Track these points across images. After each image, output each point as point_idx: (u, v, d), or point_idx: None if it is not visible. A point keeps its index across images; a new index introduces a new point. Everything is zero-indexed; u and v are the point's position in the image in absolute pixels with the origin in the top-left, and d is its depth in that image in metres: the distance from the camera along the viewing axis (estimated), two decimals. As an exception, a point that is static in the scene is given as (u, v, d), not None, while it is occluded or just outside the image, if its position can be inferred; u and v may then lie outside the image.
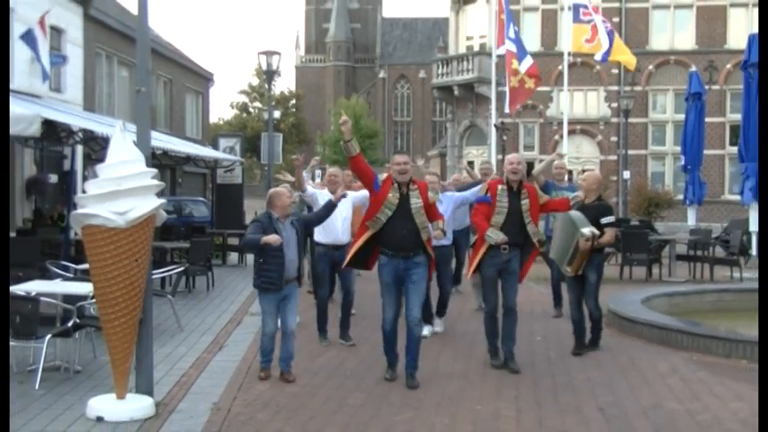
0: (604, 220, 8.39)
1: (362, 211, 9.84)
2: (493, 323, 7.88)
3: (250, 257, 14.21)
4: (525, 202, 7.69)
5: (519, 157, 8.18)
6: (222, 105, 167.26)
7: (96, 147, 15.05)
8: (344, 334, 8.91)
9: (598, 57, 20.43)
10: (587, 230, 8.01)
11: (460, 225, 10.74)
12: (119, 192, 6.14)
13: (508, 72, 20.37)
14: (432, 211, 7.22)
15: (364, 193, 8.59)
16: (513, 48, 19.99)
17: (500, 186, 7.75)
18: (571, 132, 27.45)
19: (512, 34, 19.94)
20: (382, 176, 7.20)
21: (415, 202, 7.04)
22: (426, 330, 8.90)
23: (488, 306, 7.90)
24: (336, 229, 8.80)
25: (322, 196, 8.72)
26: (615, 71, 32.15)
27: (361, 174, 7.20)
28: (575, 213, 8.25)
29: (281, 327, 7.28)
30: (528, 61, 20.02)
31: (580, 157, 31.95)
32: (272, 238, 6.93)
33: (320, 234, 8.89)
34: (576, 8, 19.92)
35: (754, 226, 16.17)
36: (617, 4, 32.18)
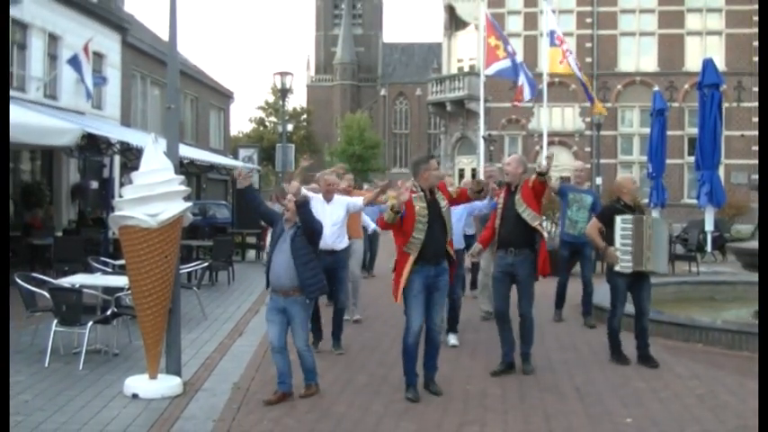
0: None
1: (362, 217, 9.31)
2: (503, 326, 6.94)
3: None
4: (518, 197, 6.78)
5: (511, 158, 7.12)
6: (242, 120, 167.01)
7: (131, 157, 15.06)
8: (336, 342, 7.78)
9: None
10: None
11: (474, 229, 9.68)
12: (151, 196, 6.15)
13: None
14: (462, 194, 6.31)
15: (358, 199, 8.12)
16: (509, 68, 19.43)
17: (503, 192, 7.03)
18: (550, 143, 27.37)
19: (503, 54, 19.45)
20: (402, 206, 6.04)
21: (443, 204, 6.11)
22: (454, 339, 8.05)
23: (495, 306, 7.11)
24: (324, 236, 7.19)
25: (315, 201, 7.63)
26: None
27: (391, 227, 6.11)
28: (655, 217, 7.55)
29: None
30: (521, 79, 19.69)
31: (557, 165, 31.89)
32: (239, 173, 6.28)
33: None
34: (551, 34, 19.86)
35: (709, 226, 16.14)
36: (589, 31, 32.25)
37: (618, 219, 7.08)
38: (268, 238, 8.25)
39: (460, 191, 6.34)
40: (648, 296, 7.24)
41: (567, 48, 20.11)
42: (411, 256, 5.97)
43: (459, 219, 8.10)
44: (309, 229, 5.95)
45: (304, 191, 7.66)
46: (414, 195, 6.05)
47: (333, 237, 7.78)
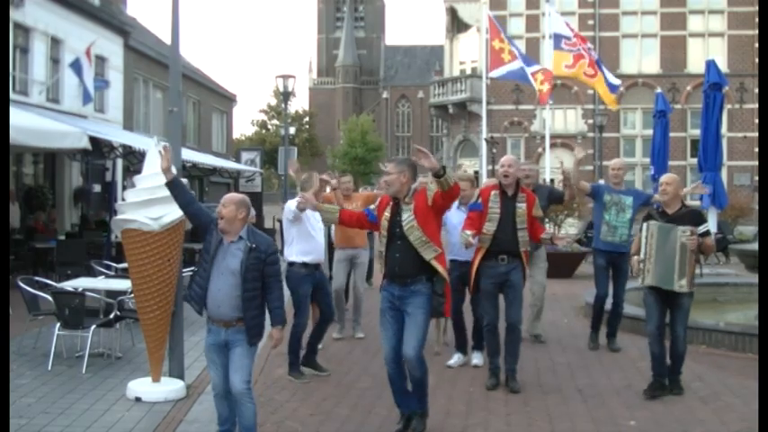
0: (701, 229, 6.14)
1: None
2: (494, 338, 6.50)
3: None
4: (521, 207, 6.32)
5: (513, 159, 6.51)
6: (244, 123, 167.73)
7: (134, 160, 15.09)
8: (314, 360, 6.95)
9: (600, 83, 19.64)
10: (685, 227, 6.05)
11: None
12: (153, 200, 6.16)
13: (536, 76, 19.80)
14: (436, 197, 5.08)
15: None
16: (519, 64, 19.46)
17: (493, 192, 6.38)
18: (552, 146, 27.38)
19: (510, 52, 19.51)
20: (374, 206, 5.52)
21: (406, 218, 5.13)
22: (454, 359, 7.29)
23: (486, 319, 6.51)
24: (320, 245, 6.83)
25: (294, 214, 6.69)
26: (591, 92, 32.15)
27: (354, 224, 5.61)
28: (662, 223, 6.20)
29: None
30: (536, 67, 19.66)
31: (559, 167, 31.92)
32: None
33: (301, 253, 6.72)
34: (556, 37, 19.81)
35: (712, 228, 16.15)
36: (591, 33, 32.19)
37: (643, 226, 6.40)
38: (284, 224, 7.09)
39: (435, 194, 5.11)
40: (681, 320, 6.25)
41: (587, 46, 19.85)
42: (384, 270, 5.34)
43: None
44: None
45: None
46: (388, 204, 5.29)
47: (322, 249, 6.97)
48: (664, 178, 6.37)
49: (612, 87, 19.64)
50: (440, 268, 5.16)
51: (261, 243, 4.71)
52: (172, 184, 5.16)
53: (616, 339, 8.10)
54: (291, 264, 6.78)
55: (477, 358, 7.30)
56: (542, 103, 20.67)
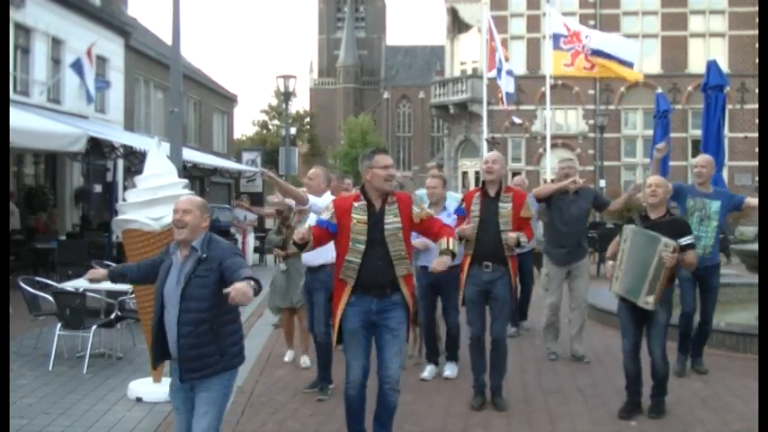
0: (684, 241, 5.51)
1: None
2: (478, 353, 5.99)
3: (269, 258, 14.22)
4: (505, 207, 5.78)
5: (497, 155, 6.06)
6: (245, 123, 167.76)
7: (135, 160, 15.14)
8: (323, 385, 6.39)
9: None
10: (670, 240, 5.40)
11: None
12: (154, 200, 6.17)
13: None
14: (431, 225, 4.74)
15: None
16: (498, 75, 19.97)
17: (476, 194, 5.94)
18: (553, 146, 27.39)
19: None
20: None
21: (391, 222, 4.58)
22: (428, 372, 6.86)
23: (471, 332, 5.98)
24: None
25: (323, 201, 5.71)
26: (592, 92, 32.23)
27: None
28: (644, 229, 5.62)
29: None
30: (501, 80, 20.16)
31: (553, 168, 31.95)
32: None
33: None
34: (555, 37, 19.89)
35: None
36: (592, 33, 32.22)
37: (623, 229, 5.95)
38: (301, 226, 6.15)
39: (427, 220, 4.73)
40: (657, 337, 5.68)
41: (582, 44, 19.95)
42: (347, 284, 4.62)
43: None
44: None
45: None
46: (355, 204, 4.63)
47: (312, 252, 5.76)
48: (652, 180, 5.83)
49: (626, 62, 19.41)
50: (406, 292, 4.66)
51: (216, 250, 3.70)
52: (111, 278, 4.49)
53: (702, 360, 7.18)
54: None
55: (449, 369, 6.87)
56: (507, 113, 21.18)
